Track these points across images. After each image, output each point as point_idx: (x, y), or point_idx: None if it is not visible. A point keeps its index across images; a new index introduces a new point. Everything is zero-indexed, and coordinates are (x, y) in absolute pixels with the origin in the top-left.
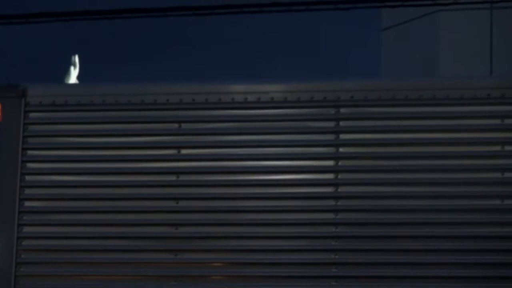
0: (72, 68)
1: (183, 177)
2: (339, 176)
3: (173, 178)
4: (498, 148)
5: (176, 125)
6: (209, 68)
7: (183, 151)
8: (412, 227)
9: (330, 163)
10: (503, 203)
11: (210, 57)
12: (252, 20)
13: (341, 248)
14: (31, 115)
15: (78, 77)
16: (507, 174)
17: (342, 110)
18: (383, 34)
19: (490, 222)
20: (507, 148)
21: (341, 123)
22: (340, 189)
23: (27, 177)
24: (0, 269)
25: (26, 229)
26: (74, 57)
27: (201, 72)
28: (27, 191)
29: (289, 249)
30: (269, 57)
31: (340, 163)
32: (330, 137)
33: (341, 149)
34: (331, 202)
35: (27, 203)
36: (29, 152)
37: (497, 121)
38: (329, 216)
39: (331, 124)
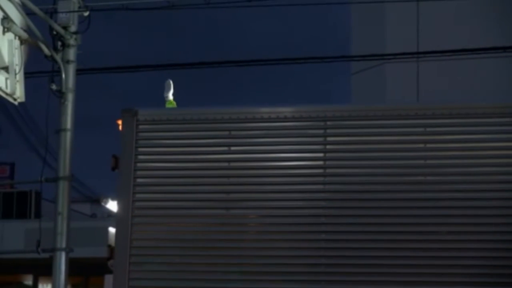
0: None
1: (232, 164)
2: (326, 163)
3: (226, 164)
4: (422, 145)
5: (227, 132)
6: None
7: (232, 148)
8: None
9: (320, 155)
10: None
11: None
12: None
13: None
14: (140, 127)
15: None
16: (429, 161)
17: (328, 122)
18: (352, 77)
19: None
20: (429, 145)
21: (327, 131)
22: (327, 170)
23: (138, 164)
24: (122, 220)
25: (137, 196)
26: (169, 81)
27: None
28: (138, 173)
29: (291, 207)
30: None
31: (327, 155)
32: (320, 139)
33: (327, 146)
34: (321, 178)
35: (138, 180)
36: (139, 149)
37: (421, 129)
38: (319, 187)
39: (321, 131)
